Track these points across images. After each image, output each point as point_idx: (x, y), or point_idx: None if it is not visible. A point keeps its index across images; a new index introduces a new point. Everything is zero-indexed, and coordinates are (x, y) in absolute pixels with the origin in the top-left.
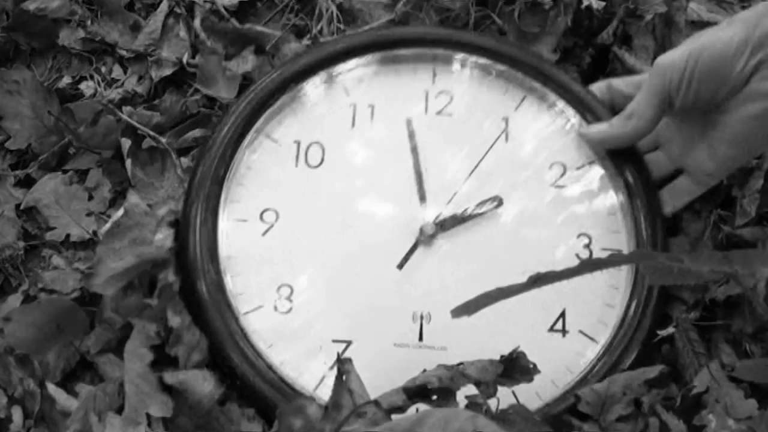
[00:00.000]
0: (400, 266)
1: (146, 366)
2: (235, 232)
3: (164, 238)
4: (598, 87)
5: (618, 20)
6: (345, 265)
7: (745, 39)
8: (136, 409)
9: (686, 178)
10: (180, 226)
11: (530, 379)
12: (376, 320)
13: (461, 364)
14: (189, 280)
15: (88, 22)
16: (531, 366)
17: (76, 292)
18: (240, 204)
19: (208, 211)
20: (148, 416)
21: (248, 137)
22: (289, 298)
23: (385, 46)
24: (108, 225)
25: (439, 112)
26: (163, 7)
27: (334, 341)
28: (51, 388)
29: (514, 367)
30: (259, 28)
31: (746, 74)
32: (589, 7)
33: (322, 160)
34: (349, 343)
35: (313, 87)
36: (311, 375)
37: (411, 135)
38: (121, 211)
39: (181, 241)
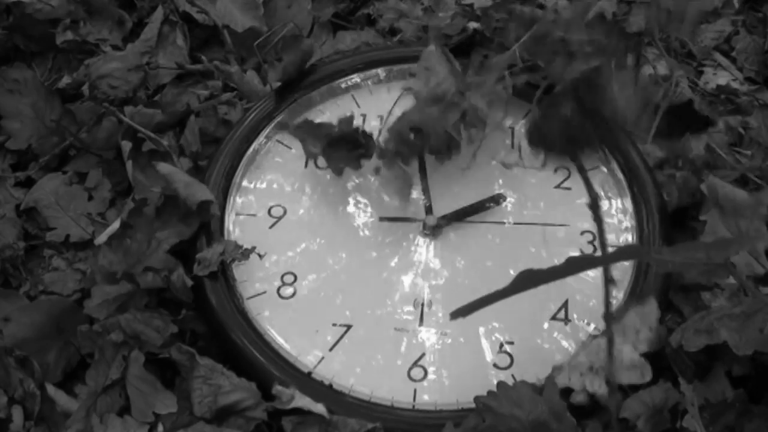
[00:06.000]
0: (402, 256)
1: (141, 368)
2: (244, 225)
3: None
4: None
5: None
6: (348, 254)
7: None
8: (142, 411)
9: None
10: None
11: None
12: (376, 305)
13: None
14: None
15: (81, 24)
16: None
17: (77, 294)
18: (249, 200)
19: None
20: (156, 415)
21: (259, 140)
22: (292, 285)
23: (393, 62)
24: (104, 236)
25: None
26: (158, 15)
27: (335, 325)
28: (51, 388)
29: None
30: None
31: None
32: None
33: None
34: (349, 326)
35: (324, 98)
36: (311, 355)
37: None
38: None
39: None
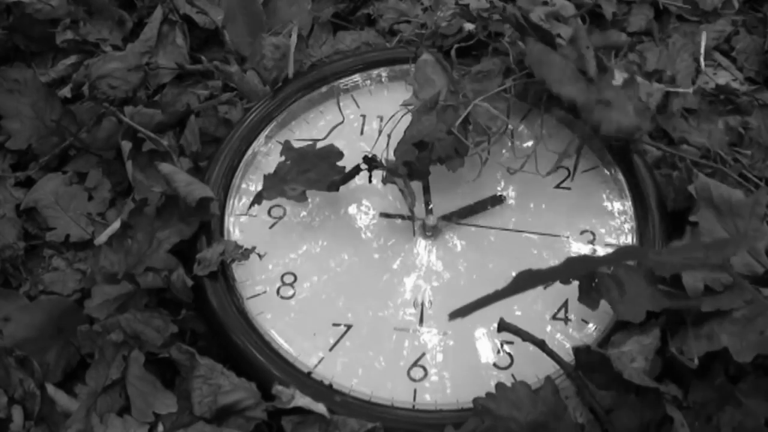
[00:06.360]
0: (403, 257)
1: (141, 368)
2: (244, 226)
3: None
4: None
5: None
6: (348, 254)
7: None
8: (142, 411)
9: None
10: None
11: None
12: (377, 305)
13: None
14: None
15: (81, 24)
16: None
17: (77, 294)
18: (250, 200)
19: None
20: (156, 415)
21: (259, 140)
22: (292, 285)
23: (394, 62)
24: (104, 236)
25: None
26: (158, 15)
27: (335, 324)
28: (51, 388)
29: None
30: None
31: None
32: None
33: None
34: (349, 326)
35: (324, 98)
36: (311, 355)
37: None
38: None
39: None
